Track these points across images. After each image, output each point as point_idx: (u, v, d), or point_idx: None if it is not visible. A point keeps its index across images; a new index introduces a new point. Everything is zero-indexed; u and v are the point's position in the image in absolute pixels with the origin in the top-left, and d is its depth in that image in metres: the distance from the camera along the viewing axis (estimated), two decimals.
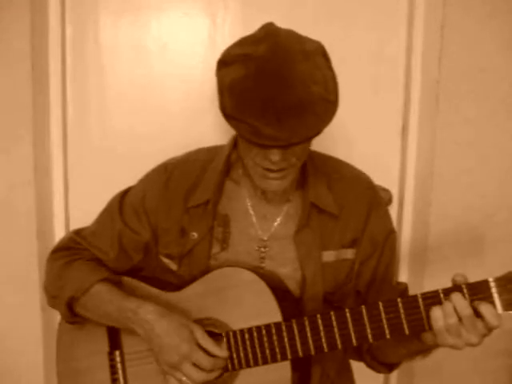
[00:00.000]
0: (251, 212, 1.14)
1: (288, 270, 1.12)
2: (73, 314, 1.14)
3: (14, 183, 1.58)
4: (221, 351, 1.03)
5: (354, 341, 0.99)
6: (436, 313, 0.93)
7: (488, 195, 1.65)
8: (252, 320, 1.04)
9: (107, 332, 1.14)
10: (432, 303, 0.95)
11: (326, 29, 1.58)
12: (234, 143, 1.15)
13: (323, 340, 1.01)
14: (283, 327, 1.02)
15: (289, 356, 1.02)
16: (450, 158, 1.63)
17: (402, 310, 0.97)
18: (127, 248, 1.17)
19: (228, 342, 1.05)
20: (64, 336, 1.19)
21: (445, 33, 1.57)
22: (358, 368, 1.26)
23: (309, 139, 0.96)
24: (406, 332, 0.97)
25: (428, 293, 0.96)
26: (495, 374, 1.74)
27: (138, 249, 1.17)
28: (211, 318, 1.07)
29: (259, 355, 1.04)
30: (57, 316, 1.21)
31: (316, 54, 0.97)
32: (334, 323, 1.00)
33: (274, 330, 1.03)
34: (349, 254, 1.14)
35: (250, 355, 1.04)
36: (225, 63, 0.98)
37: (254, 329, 1.04)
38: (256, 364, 1.04)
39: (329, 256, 1.12)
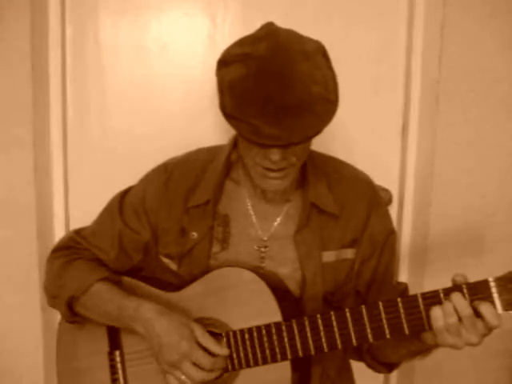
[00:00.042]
0: (251, 212, 1.14)
1: (288, 270, 1.12)
2: (73, 313, 1.14)
3: (14, 183, 1.58)
4: (221, 349, 1.03)
5: (354, 341, 0.99)
6: (436, 312, 0.93)
7: (488, 195, 1.65)
8: (252, 320, 1.04)
9: (107, 332, 1.14)
10: (432, 303, 0.95)
11: (326, 29, 1.58)
12: (234, 143, 1.15)
13: (323, 340, 1.01)
14: (283, 327, 1.02)
15: (289, 356, 1.02)
16: (450, 157, 1.63)
17: (402, 310, 0.97)
18: (127, 248, 1.17)
19: (228, 341, 1.05)
20: (64, 336, 1.19)
21: (445, 33, 1.57)
22: (358, 368, 1.26)
23: (309, 139, 0.96)
24: (406, 332, 0.97)
25: (428, 293, 0.96)
26: (495, 374, 1.74)
27: (138, 249, 1.17)
28: (211, 317, 1.07)
29: (259, 355, 1.04)
30: (57, 316, 1.21)
31: (316, 54, 0.97)
32: (334, 323, 1.00)
33: (274, 330, 1.03)
34: (349, 253, 1.14)
35: (250, 355, 1.04)
36: (225, 63, 0.98)
37: (254, 329, 1.04)
38: (256, 364, 1.04)
39: (329, 256, 1.12)
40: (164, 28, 1.61)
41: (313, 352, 1.02)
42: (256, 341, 1.04)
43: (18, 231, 1.60)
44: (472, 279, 0.95)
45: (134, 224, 1.16)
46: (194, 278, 1.11)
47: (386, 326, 0.98)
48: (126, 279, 1.16)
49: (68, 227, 1.68)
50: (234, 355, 1.05)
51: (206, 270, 1.10)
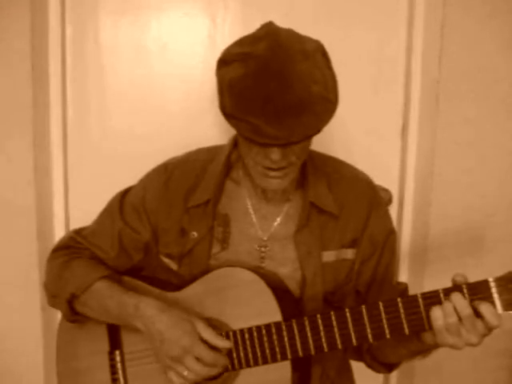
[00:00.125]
0: (251, 212, 1.14)
1: (288, 270, 1.12)
2: (74, 312, 1.14)
3: (14, 183, 1.58)
4: (224, 342, 1.02)
5: (354, 341, 0.99)
6: (436, 312, 0.93)
7: (488, 195, 1.65)
8: (252, 320, 1.04)
9: (107, 331, 1.14)
10: (432, 303, 0.95)
11: (326, 29, 1.58)
12: (234, 143, 1.15)
13: (323, 340, 1.01)
14: (283, 327, 1.02)
15: (289, 356, 1.02)
16: (450, 157, 1.63)
17: (402, 310, 0.97)
18: (127, 247, 1.17)
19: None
20: (64, 336, 1.19)
21: (445, 33, 1.57)
22: (358, 368, 1.26)
23: (308, 138, 0.96)
24: (406, 332, 0.97)
25: (428, 293, 0.96)
26: (495, 374, 1.74)
27: (138, 248, 1.17)
28: (211, 317, 1.07)
29: (259, 355, 1.04)
30: (57, 316, 1.21)
31: (316, 54, 0.97)
32: (334, 323, 1.00)
33: (274, 330, 1.03)
34: (349, 253, 1.14)
35: (250, 355, 1.04)
36: (225, 62, 0.98)
37: (254, 328, 1.04)
38: (256, 364, 1.04)
39: (329, 256, 1.12)
40: (164, 28, 1.61)
41: (313, 352, 1.02)
42: (256, 341, 1.04)
43: (18, 231, 1.60)
44: (472, 279, 0.95)
45: (134, 224, 1.16)
46: (194, 278, 1.11)
47: (386, 325, 0.98)
48: (127, 279, 1.16)
49: (68, 227, 1.67)
50: (234, 355, 1.05)
51: (206, 270, 1.10)
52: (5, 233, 1.60)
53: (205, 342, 1.01)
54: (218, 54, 1.00)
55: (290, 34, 0.99)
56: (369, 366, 1.20)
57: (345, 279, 1.14)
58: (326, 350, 1.01)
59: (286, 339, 1.02)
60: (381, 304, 0.98)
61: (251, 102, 0.92)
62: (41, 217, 1.62)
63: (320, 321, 1.01)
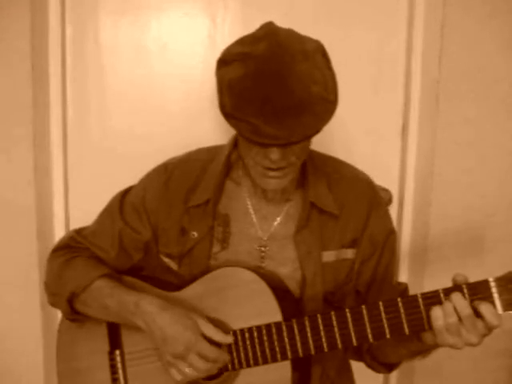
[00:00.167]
0: (251, 212, 1.14)
1: (288, 270, 1.12)
2: (74, 311, 1.14)
3: (14, 183, 1.58)
4: (226, 338, 1.03)
5: (354, 340, 0.99)
6: (436, 312, 0.93)
7: (488, 195, 1.65)
8: (252, 320, 1.04)
9: (107, 331, 1.14)
10: (432, 303, 0.95)
11: (326, 29, 1.58)
12: (235, 143, 1.15)
13: (323, 340, 1.01)
14: (283, 327, 1.02)
15: (289, 356, 1.02)
16: (450, 157, 1.63)
17: (402, 310, 0.97)
18: (128, 247, 1.17)
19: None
20: (64, 335, 1.19)
21: (445, 33, 1.57)
22: (358, 368, 1.26)
23: (308, 138, 0.96)
24: (406, 332, 0.97)
25: (428, 293, 0.96)
26: (495, 374, 1.74)
27: (138, 248, 1.17)
28: (211, 317, 1.07)
29: (259, 355, 1.04)
30: (57, 316, 1.21)
31: (316, 54, 0.97)
32: (335, 323, 1.00)
33: (274, 330, 1.03)
34: (349, 253, 1.14)
35: (250, 355, 1.04)
36: (224, 62, 0.98)
37: (254, 328, 1.04)
38: (256, 364, 1.04)
39: (329, 256, 1.12)
40: (164, 28, 1.61)
41: (313, 352, 1.02)
42: (256, 340, 1.04)
43: (18, 231, 1.60)
44: (472, 279, 0.95)
45: (134, 223, 1.16)
46: (194, 278, 1.11)
47: (386, 325, 0.98)
48: (127, 278, 1.16)
49: (68, 227, 1.68)
50: (234, 355, 1.05)
51: (206, 270, 1.10)
52: (5, 233, 1.60)
53: (206, 338, 1.01)
54: (217, 54, 1.00)
55: (290, 34, 0.99)
56: (369, 366, 1.20)
57: (345, 279, 1.14)
58: (326, 349, 1.01)
59: (286, 339, 1.02)
60: (381, 304, 0.98)
61: (251, 102, 0.92)
62: (41, 217, 1.62)
63: (320, 321, 1.01)
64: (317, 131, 0.94)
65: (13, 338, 1.65)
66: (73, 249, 1.19)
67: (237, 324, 1.05)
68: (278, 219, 1.14)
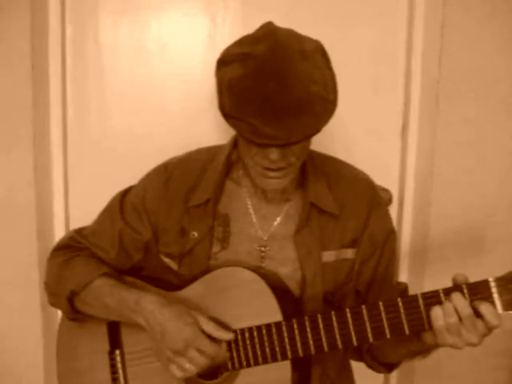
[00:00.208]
0: (251, 212, 1.14)
1: (288, 270, 1.12)
2: (74, 310, 1.14)
3: (14, 183, 1.58)
4: (226, 334, 1.03)
5: (354, 340, 0.99)
6: (436, 312, 0.93)
7: (488, 195, 1.65)
8: (252, 320, 1.04)
9: (107, 331, 1.14)
10: (432, 303, 0.95)
11: (326, 29, 1.58)
12: (234, 143, 1.15)
13: (323, 340, 1.01)
14: (283, 327, 1.02)
15: (289, 356, 1.02)
16: (450, 157, 1.63)
17: (402, 310, 0.97)
18: (128, 247, 1.17)
19: (228, 341, 1.05)
20: (64, 335, 1.19)
21: (445, 33, 1.57)
22: (358, 368, 1.26)
23: (307, 138, 0.96)
24: (406, 332, 0.97)
25: (428, 293, 0.96)
26: (495, 374, 1.74)
27: (138, 248, 1.17)
28: (212, 317, 1.07)
29: (259, 354, 1.04)
30: (57, 316, 1.21)
31: (315, 54, 0.97)
32: (335, 323, 1.00)
33: (274, 330, 1.03)
34: (349, 253, 1.14)
35: (251, 354, 1.04)
36: (224, 62, 0.98)
37: (255, 328, 1.04)
38: (256, 363, 1.04)
39: (329, 256, 1.12)
40: (164, 28, 1.61)
41: (313, 352, 1.02)
42: (256, 340, 1.04)
43: (18, 231, 1.60)
44: (472, 279, 0.95)
45: (134, 223, 1.16)
46: (194, 278, 1.11)
47: (386, 325, 0.97)
48: (127, 278, 1.16)
49: (68, 227, 1.68)
50: (235, 354, 1.05)
51: (206, 270, 1.10)
52: (5, 233, 1.60)
53: (206, 334, 1.01)
54: (217, 54, 1.00)
55: (290, 33, 0.99)
56: (369, 366, 1.20)
57: (345, 279, 1.14)
58: (326, 349, 1.01)
59: (286, 339, 1.02)
60: (381, 304, 0.98)
61: (250, 103, 0.92)
62: (41, 217, 1.62)
63: (320, 320, 1.01)
64: (316, 131, 0.94)
65: (13, 338, 1.65)
66: (73, 249, 1.19)
67: (237, 324, 1.05)
68: (278, 219, 1.14)
